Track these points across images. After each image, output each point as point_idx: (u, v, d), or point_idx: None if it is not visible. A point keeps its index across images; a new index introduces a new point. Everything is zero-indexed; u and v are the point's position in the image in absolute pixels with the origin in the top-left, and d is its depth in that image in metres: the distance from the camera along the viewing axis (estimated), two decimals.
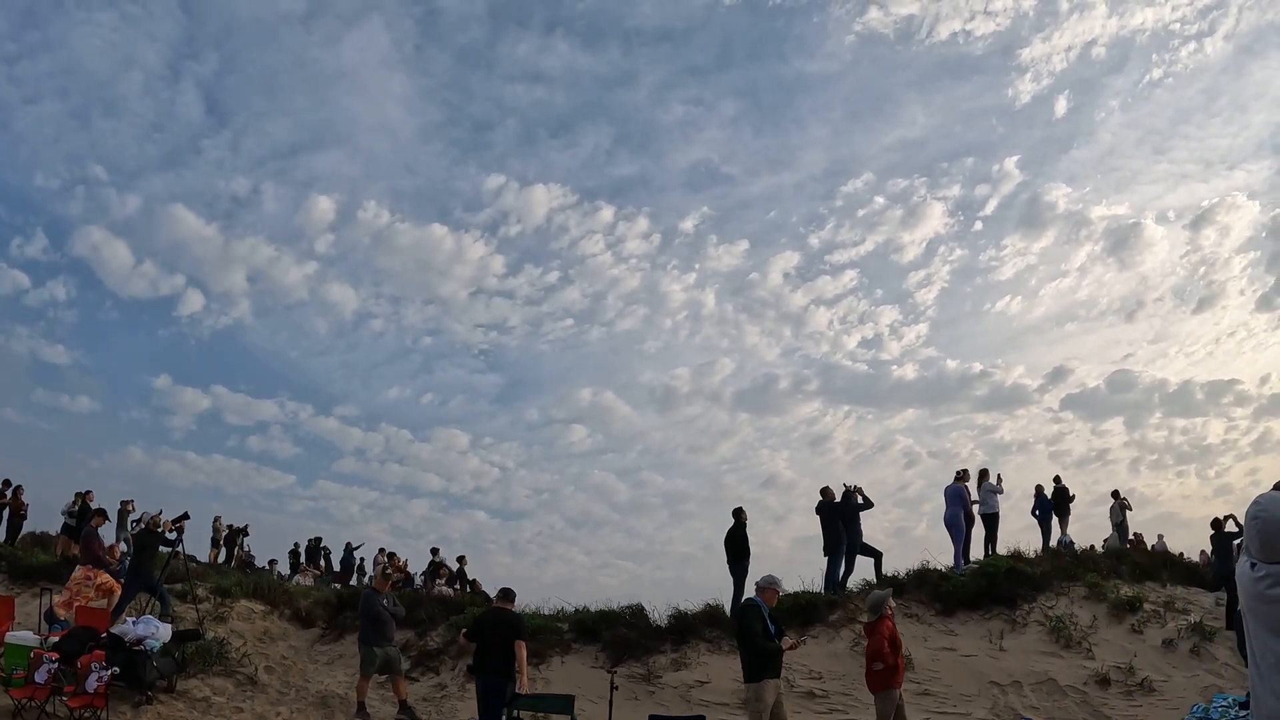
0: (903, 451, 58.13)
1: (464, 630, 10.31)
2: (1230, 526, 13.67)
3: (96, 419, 49.88)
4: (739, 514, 14.42)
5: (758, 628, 8.62)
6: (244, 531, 25.55)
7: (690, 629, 13.40)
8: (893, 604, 9.24)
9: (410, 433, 55.46)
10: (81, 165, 51.79)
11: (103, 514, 14.92)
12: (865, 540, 14.65)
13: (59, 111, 52.78)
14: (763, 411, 59.80)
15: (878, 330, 56.91)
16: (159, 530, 13.81)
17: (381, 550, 24.61)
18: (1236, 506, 19.16)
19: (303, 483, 51.92)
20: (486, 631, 9.57)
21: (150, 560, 13.65)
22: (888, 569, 14.63)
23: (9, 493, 19.83)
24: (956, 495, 15.05)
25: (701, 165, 61.44)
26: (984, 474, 16.06)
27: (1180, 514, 49.78)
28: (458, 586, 20.22)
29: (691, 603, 13.98)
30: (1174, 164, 56.96)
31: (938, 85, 59.52)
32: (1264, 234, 51.36)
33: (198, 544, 23.68)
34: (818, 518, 14.45)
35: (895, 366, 56.91)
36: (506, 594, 10.29)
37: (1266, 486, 11.90)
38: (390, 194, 60.48)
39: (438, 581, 20.12)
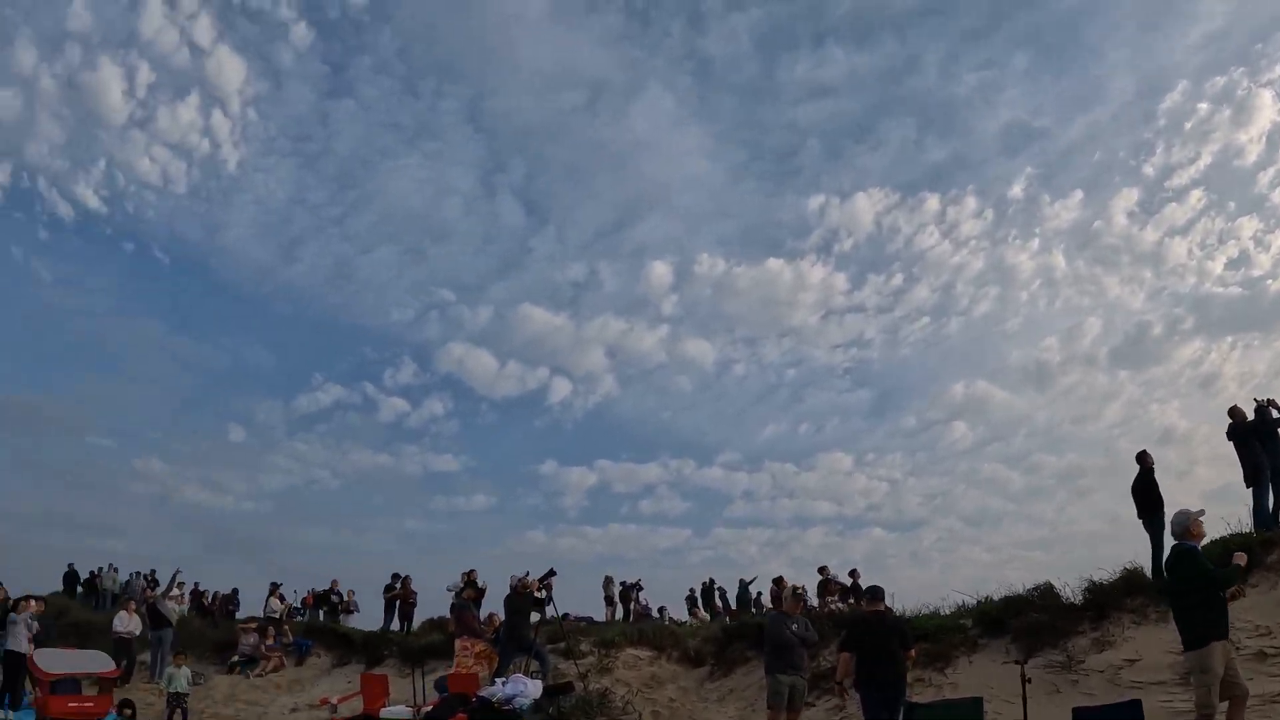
0: None
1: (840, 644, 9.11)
2: None
3: (494, 512, 54.90)
4: (1143, 458, 12.34)
5: (1208, 569, 6.87)
6: (637, 586, 25.93)
7: (1109, 600, 11.30)
8: None
9: (794, 465, 56.14)
10: (428, 292, 58.43)
11: (473, 587, 15.35)
12: None
13: (394, 252, 60.19)
14: (1142, 364, 55.12)
15: (1241, 246, 50.44)
16: (528, 591, 13.87)
17: (776, 579, 23.84)
18: None
19: (698, 534, 53.64)
20: (865, 639, 8.51)
21: (523, 622, 13.66)
22: None
23: (398, 584, 21.76)
24: None
25: (1012, 127, 57.25)
26: None
27: None
28: (850, 601, 19.01)
29: (1107, 571, 11.89)
30: None
31: None
32: None
33: (595, 605, 24.57)
34: (1231, 445, 12.10)
35: (1270, 280, 50.31)
36: (875, 593, 9.10)
37: None
38: (719, 242, 62.00)
39: (828, 599, 19.13)
